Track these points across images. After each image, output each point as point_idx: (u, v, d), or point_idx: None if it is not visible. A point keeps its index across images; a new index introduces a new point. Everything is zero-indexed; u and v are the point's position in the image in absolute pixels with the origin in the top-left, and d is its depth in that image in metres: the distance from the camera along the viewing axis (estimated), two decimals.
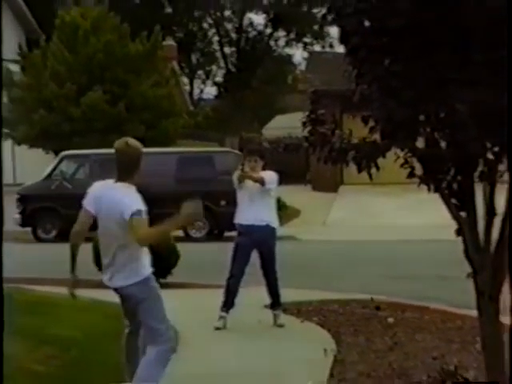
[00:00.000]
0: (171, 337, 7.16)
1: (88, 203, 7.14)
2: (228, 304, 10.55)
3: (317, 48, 53.56)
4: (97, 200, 7.10)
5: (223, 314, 10.48)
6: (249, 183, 10.62)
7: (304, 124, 6.56)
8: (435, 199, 6.50)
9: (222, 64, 57.82)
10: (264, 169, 10.97)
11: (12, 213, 24.65)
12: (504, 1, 5.42)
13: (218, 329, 10.40)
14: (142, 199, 6.92)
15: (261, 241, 10.62)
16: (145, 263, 7.13)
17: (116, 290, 7.19)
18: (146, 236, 6.77)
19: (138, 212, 6.73)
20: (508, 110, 5.46)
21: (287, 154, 34.80)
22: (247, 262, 10.65)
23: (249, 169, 10.69)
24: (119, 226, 6.86)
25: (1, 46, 10.63)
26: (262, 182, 10.55)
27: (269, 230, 10.68)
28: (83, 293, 12.25)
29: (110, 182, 7.16)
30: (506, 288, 6.42)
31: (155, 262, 13.67)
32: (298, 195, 28.43)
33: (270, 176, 10.74)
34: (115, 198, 6.90)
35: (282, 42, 57.08)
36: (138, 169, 7.02)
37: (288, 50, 58.48)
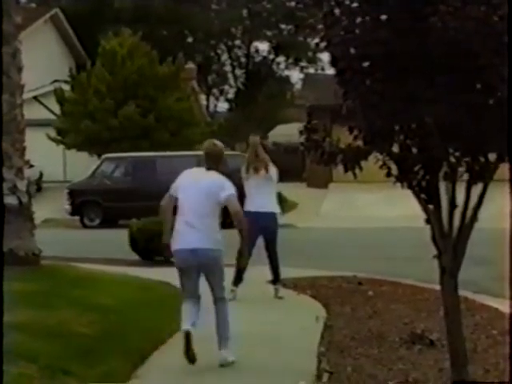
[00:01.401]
0: None
1: (174, 188, 7.43)
2: (238, 280, 10.55)
3: (311, 70, 53.42)
4: (187, 179, 7.44)
5: (233, 288, 10.48)
6: (255, 174, 10.59)
7: (301, 132, 6.55)
8: (408, 194, 6.50)
9: (233, 83, 57.69)
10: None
11: (63, 204, 24.71)
12: (461, 35, 5.41)
13: (229, 300, 10.39)
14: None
15: (266, 226, 10.60)
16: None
17: (196, 253, 7.18)
18: (240, 209, 7.51)
19: (234, 194, 7.36)
20: (508, 111, 5.45)
21: (287, 157, 34.77)
22: (254, 245, 10.63)
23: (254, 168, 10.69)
24: (215, 201, 7.28)
25: (1, 44, 10.66)
26: (266, 167, 10.54)
27: (272, 217, 10.67)
28: (120, 269, 12.33)
29: (202, 169, 7.55)
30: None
31: None
32: (296, 191, 28.41)
33: (272, 169, 10.75)
34: (215, 180, 7.38)
35: (282, 66, 56.98)
36: (221, 162, 7.61)
37: (287, 72, 58.31)
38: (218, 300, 7.47)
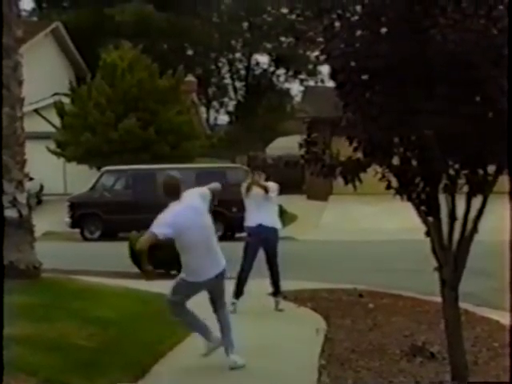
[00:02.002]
0: None
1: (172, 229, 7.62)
2: (238, 292, 10.55)
3: (311, 83, 53.51)
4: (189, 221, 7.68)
5: (234, 300, 10.48)
6: (255, 192, 10.64)
7: (301, 145, 6.57)
8: (408, 207, 6.51)
9: (233, 96, 57.76)
10: (267, 180, 11.00)
11: (63, 217, 24.70)
12: (461, 47, 5.43)
13: (230, 313, 10.38)
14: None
15: (266, 240, 10.64)
16: None
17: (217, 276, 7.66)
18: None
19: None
20: (508, 111, 5.46)
21: (287, 169, 34.80)
22: (255, 258, 10.66)
23: (256, 177, 10.75)
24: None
25: (1, 45, 10.69)
26: (266, 189, 10.57)
27: (273, 231, 10.70)
28: (120, 282, 12.31)
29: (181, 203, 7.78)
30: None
31: (179, 258, 13.67)
32: (296, 203, 28.40)
33: (272, 186, 10.76)
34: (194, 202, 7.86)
35: (282, 78, 57.04)
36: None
37: (287, 85, 58.55)
38: (221, 307, 7.78)
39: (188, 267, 7.57)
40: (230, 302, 10.49)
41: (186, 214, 7.54)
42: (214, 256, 7.65)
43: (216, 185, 8.32)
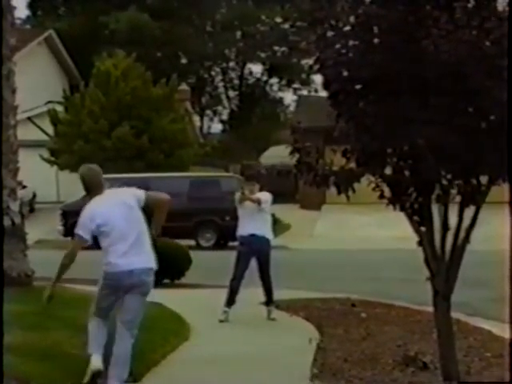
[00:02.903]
0: None
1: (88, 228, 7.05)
2: (230, 301, 10.54)
3: (304, 92, 53.57)
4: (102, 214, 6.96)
5: (226, 309, 10.48)
6: (248, 203, 10.64)
7: (291, 153, 6.54)
8: (401, 216, 6.52)
9: (226, 105, 57.78)
10: (261, 190, 11.00)
11: (56, 225, 24.65)
12: (453, 58, 5.45)
13: (221, 321, 10.38)
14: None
15: (258, 249, 10.64)
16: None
17: (132, 273, 6.83)
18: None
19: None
20: (508, 111, 5.48)
21: (280, 178, 34.79)
22: (247, 267, 10.66)
23: (248, 191, 10.72)
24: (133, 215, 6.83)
25: (1, 47, 10.70)
26: (258, 202, 10.57)
27: (265, 241, 10.70)
28: None
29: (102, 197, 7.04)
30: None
31: (171, 266, 13.65)
32: (289, 212, 28.40)
33: (265, 197, 10.76)
34: (120, 195, 7.03)
35: (275, 87, 57.11)
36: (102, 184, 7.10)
37: (280, 94, 58.43)
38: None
39: None
40: (222, 310, 10.51)
41: (103, 209, 6.93)
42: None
43: (161, 195, 7.14)
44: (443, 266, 6.34)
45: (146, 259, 6.91)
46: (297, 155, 6.51)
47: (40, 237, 23.74)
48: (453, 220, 6.28)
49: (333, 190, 6.38)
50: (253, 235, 10.56)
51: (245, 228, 10.68)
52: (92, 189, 7.02)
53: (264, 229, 10.71)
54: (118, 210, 6.84)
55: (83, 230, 6.96)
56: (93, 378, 6.56)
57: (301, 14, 6.16)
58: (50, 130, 31.40)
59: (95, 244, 6.90)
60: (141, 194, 6.93)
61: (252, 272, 10.80)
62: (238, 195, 10.86)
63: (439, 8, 5.61)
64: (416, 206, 6.28)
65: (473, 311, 11.03)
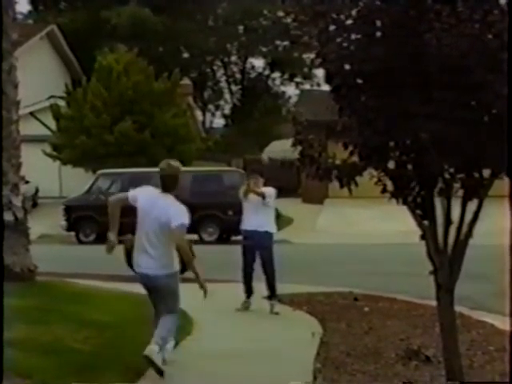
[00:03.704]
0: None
1: (132, 197, 7.59)
2: (248, 292, 10.89)
3: (306, 86, 53.52)
4: (144, 201, 7.44)
5: (246, 300, 10.90)
6: (252, 197, 10.67)
7: (293, 145, 6.55)
8: (403, 210, 6.51)
9: (228, 99, 57.74)
10: (265, 185, 11.03)
11: (59, 220, 24.68)
12: (455, 52, 5.44)
13: (238, 310, 10.77)
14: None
15: (261, 243, 10.68)
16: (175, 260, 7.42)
17: (148, 277, 7.30)
18: (184, 243, 7.21)
19: (183, 225, 7.15)
20: (508, 111, 5.47)
21: (282, 172, 34.76)
22: (254, 259, 10.87)
23: (252, 184, 10.76)
24: (167, 231, 7.20)
25: (2, 42, 10.70)
26: (263, 196, 10.60)
27: (268, 235, 10.75)
28: (115, 285, 12.30)
29: (156, 191, 7.48)
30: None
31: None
32: (291, 206, 28.40)
33: (270, 191, 10.79)
34: (167, 209, 7.26)
35: (277, 82, 57.04)
36: (177, 183, 7.49)
37: (283, 88, 58.38)
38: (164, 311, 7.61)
39: None
40: (243, 301, 10.86)
41: (147, 200, 7.49)
42: (153, 258, 7.38)
43: (179, 238, 7.34)
44: (446, 260, 6.34)
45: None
46: (299, 148, 6.51)
47: (43, 232, 23.76)
48: (455, 214, 6.28)
49: (335, 183, 6.37)
50: (256, 230, 10.64)
51: (249, 222, 10.74)
52: (166, 185, 7.45)
53: (267, 223, 10.76)
54: (156, 212, 7.36)
55: (131, 193, 7.69)
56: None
57: (302, 7, 6.12)
58: (53, 124, 31.41)
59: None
60: (174, 223, 7.20)
61: (255, 266, 10.82)
62: (242, 189, 10.89)
63: (441, 1, 5.60)
64: (419, 199, 6.27)
65: (476, 305, 11.04)
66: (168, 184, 7.38)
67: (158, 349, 7.15)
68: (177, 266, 7.48)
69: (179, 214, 7.22)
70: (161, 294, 7.45)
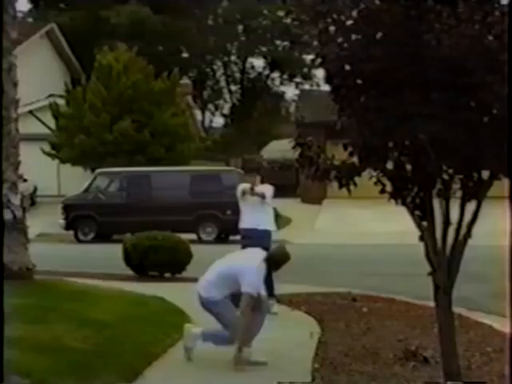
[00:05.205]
0: None
1: None
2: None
3: (306, 86, 53.51)
4: None
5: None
6: (250, 196, 10.67)
7: (293, 147, 6.56)
8: (402, 211, 6.51)
9: (228, 99, 57.74)
10: (263, 182, 11.02)
11: (57, 218, 24.67)
12: (455, 52, 5.44)
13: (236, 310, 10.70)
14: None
15: (260, 242, 10.64)
16: None
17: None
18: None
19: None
20: (508, 111, 5.47)
21: (281, 172, 34.81)
22: None
23: (249, 183, 10.76)
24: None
25: (1, 44, 10.70)
26: (263, 196, 10.60)
27: (266, 234, 10.72)
28: (114, 284, 12.29)
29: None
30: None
31: (172, 260, 13.70)
32: (290, 206, 28.39)
33: (268, 189, 10.78)
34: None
35: (277, 82, 57.07)
36: None
37: (282, 88, 58.39)
38: None
39: None
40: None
41: None
42: None
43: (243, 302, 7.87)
44: (444, 261, 6.34)
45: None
46: (299, 149, 6.51)
47: (41, 230, 23.75)
48: (454, 214, 6.28)
49: (334, 184, 6.38)
50: (255, 228, 10.61)
51: (247, 221, 10.72)
52: None
53: (266, 221, 10.73)
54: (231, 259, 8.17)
55: None
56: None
57: (302, 7, 6.13)
58: (52, 123, 31.40)
59: None
60: (242, 280, 7.72)
61: None
62: (240, 188, 10.86)
63: (441, 2, 5.60)
64: (417, 200, 6.28)
65: (474, 306, 11.05)
66: None
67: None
68: None
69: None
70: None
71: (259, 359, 7.76)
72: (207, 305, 7.89)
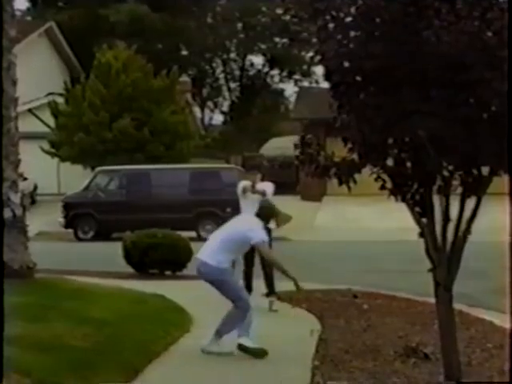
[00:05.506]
0: None
1: None
2: (247, 288, 10.75)
3: (305, 84, 53.46)
4: None
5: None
6: (251, 194, 10.66)
7: (296, 146, 6.57)
8: (402, 207, 6.51)
9: (227, 96, 57.67)
10: (263, 180, 11.01)
11: (57, 217, 24.68)
12: (454, 49, 5.44)
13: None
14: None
15: None
16: None
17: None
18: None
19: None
20: (508, 111, 5.47)
21: (281, 170, 34.79)
22: (254, 256, 10.78)
23: (251, 181, 10.75)
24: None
25: (1, 43, 10.69)
26: (263, 194, 10.59)
27: (266, 231, 10.72)
28: (114, 282, 12.30)
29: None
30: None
31: (172, 258, 13.72)
32: (290, 204, 28.18)
33: (268, 187, 10.78)
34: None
35: (276, 79, 57.03)
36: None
37: (281, 85, 58.35)
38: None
39: None
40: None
41: None
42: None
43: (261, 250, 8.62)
44: (444, 257, 6.34)
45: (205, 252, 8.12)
46: (300, 147, 6.52)
47: (41, 229, 23.75)
48: (454, 211, 6.28)
49: (334, 181, 6.38)
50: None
51: None
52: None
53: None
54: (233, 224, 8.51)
55: None
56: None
57: (301, 5, 6.12)
58: (51, 121, 31.40)
59: None
60: (255, 240, 8.25)
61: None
62: (241, 185, 10.86)
63: None
64: (417, 197, 6.28)
65: (475, 302, 11.05)
66: None
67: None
68: None
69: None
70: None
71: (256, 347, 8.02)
72: (214, 275, 8.01)
